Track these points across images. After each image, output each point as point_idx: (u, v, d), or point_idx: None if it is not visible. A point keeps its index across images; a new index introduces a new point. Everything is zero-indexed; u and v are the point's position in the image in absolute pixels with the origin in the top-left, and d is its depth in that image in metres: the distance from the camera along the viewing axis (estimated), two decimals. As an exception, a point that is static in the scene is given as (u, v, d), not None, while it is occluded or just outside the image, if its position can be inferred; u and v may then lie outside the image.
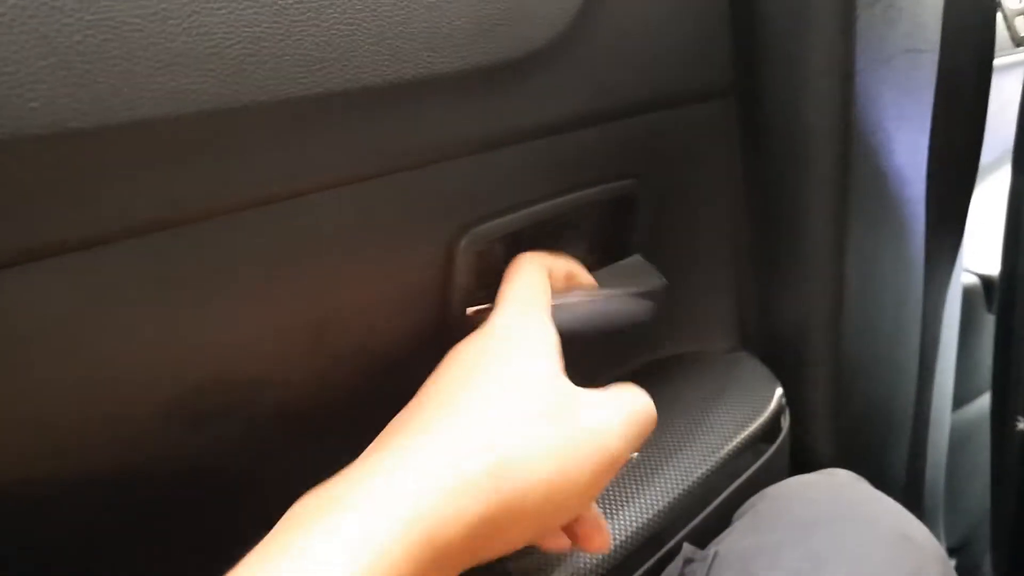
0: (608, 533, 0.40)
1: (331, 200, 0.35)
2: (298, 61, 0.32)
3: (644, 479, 0.50)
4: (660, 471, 0.51)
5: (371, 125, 0.35)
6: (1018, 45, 0.58)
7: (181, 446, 0.37)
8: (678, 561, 0.48)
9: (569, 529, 0.39)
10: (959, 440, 0.88)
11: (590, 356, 0.57)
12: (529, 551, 0.44)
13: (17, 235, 0.27)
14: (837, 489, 0.52)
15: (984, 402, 0.94)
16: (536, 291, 0.41)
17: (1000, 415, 0.66)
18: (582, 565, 0.44)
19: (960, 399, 0.89)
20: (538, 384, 0.35)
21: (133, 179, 0.29)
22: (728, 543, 0.48)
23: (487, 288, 0.44)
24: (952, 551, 0.97)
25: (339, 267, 0.38)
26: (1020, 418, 0.62)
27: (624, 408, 0.36)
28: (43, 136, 0.26)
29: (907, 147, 0.59)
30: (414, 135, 0.37)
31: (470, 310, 0.44)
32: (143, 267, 0.31)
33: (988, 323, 0.92)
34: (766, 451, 0.56)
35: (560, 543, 0.39)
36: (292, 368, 0.39)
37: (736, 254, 0.62)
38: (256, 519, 0.29)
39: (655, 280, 0.50)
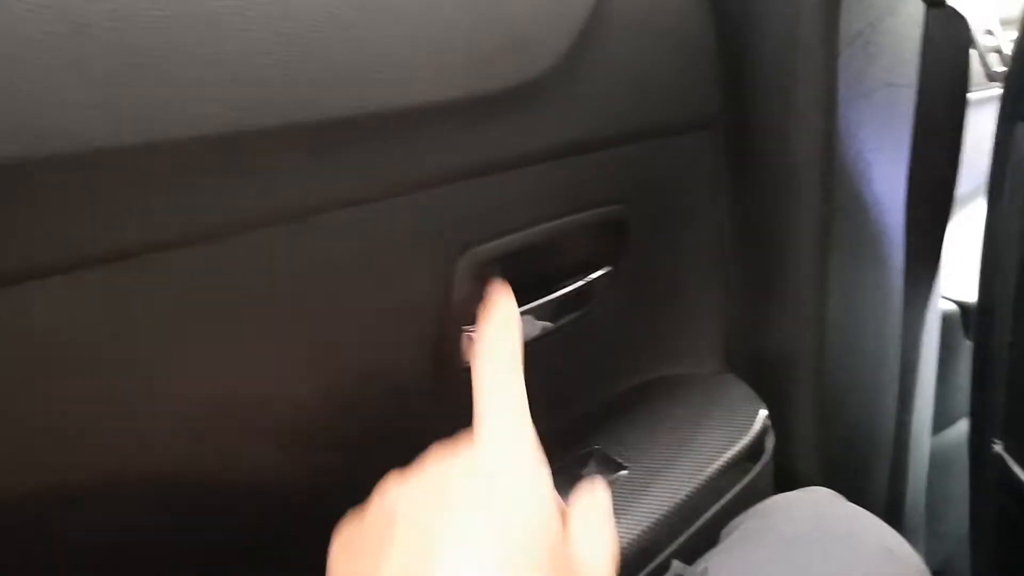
0: None
1: (336, 222, 0.37)
2: (308, 88, 0.33)
3: (632, 497, 0.51)
4: (648, 489, 0.52)
5: (376, 150, 0.36)
6: (992, 80, 0.61)
7: (187, 460, 0.37)
8: (667, 577, 0.49)
9: None
10: (939, 464, 0.90)
11: (578, 379, 0.59)
12: None
13: (38, 250, 0.28)
14: (820, 506, 0.53)
15: (962, 427, 0.96)
16: (516, 403, 0.35)
17: (977, 439, 0.67)
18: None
19: (939, 424, 0.91)
20: (536, 529, 0.31)
21: (149, 198, 0.30)
22: (717, 560, 0.49)
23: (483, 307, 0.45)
24: (934, 575, 0.98)
25: (343, 286, 0.39)
26: (997, 441, 0.63)
27: (608, 540, 0.35)
28: (68, 155, 0.28)
29: (886, 177, 0.61)
30: (417, 160, 0.38)
31: (467, 330, 0.45)
32: (155, 284, 0.32)
33: (966, 349, 0.93)
34: (751, 470, 0.57)
35: None
36: (294, 386, 0.40)
37: (722, 279, 0.63)
38: (260, 533, 0.29)
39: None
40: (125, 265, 0.31)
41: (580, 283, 0.52)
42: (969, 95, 0.67)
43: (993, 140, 0.62)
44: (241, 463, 0.39)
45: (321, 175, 0.35)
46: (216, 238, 0.33)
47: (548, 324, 0.51)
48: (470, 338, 0.45)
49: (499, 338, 0.37)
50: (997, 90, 0.59)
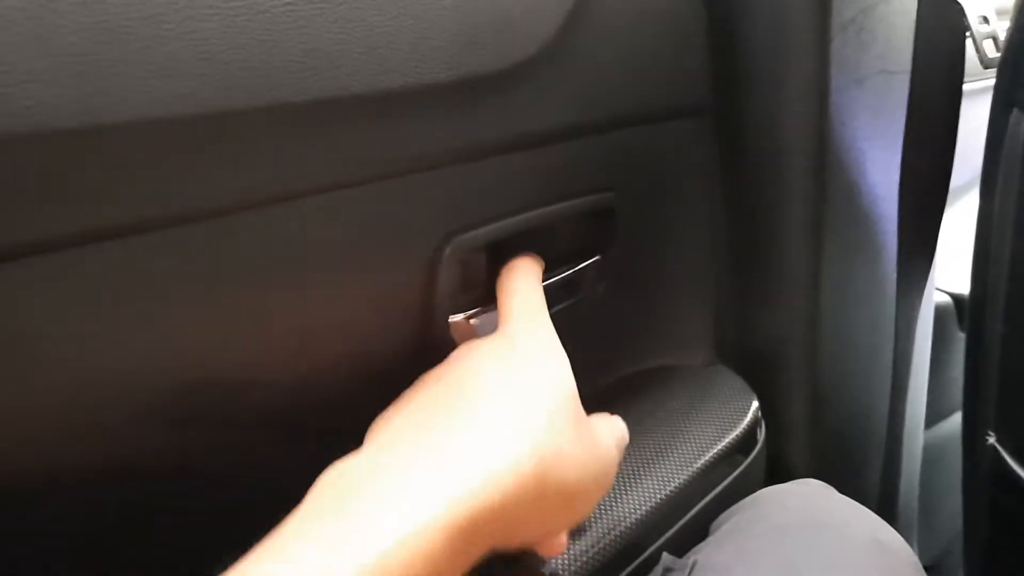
0: (564, 543, 0.41)
1: (317, 206, 0.36)
2: (288, 68, 0.32)
3: (622, 489, 0.51)
4: (638, 481, 0.51)
5: (358, 133, 0.36)
6: (987, 67, 0.60)
7: (163, 447, 0.37)
8: (657, 570, 0.48)
9: None
10: (933, 458, 0.89)
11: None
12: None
13: (2, 233, 0.28)
14: (811, 497, 0.52)
15: (956, 420, 0.95)
16: (540, 303, 0.42)
17: (971, 430, 0.67)
18: (560, 570, 0.44)
19: (933, 417, 0.90)
20: (563, 391, 0.36)
21: (120, 180, 0.30)
22: (707, 552, 0.48)
23: (469, 296, 0.45)
24: (926, 569, 0.98)
25: (324, 273, 0.38)
26: (990, 433, 0.63)
27: (618, 432, 0.42)
28: (35, 135, 0.27)
29: (880, 166, 0.61)
30: (400, 143, 0.37)
31: (452, 318, 0.44)
32: (128, 268, 0.31)
33: (960, 341, 0.93)
34: (742, 463, 0.57)
35: (561, 545, 0.40)
36: (275, 373, 0.39)
37: (714, 269, 0.63)
38: (238, 522, 0.29)
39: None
40: (97, 249, 0.30)
41: (569, 272, 0.51)
42: (964, 86, 0.67)
43: (987, 131, 0.62)
44: (219, 452, 0.39)
45: (301, 158, 0.34)
46: (191, 222, 0.32)
47: None
48: (457, 325, 0.44)
49: (523, 264, 0.44)
50: (992, 80, 0.58)
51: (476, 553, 0.31)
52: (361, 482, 0.30)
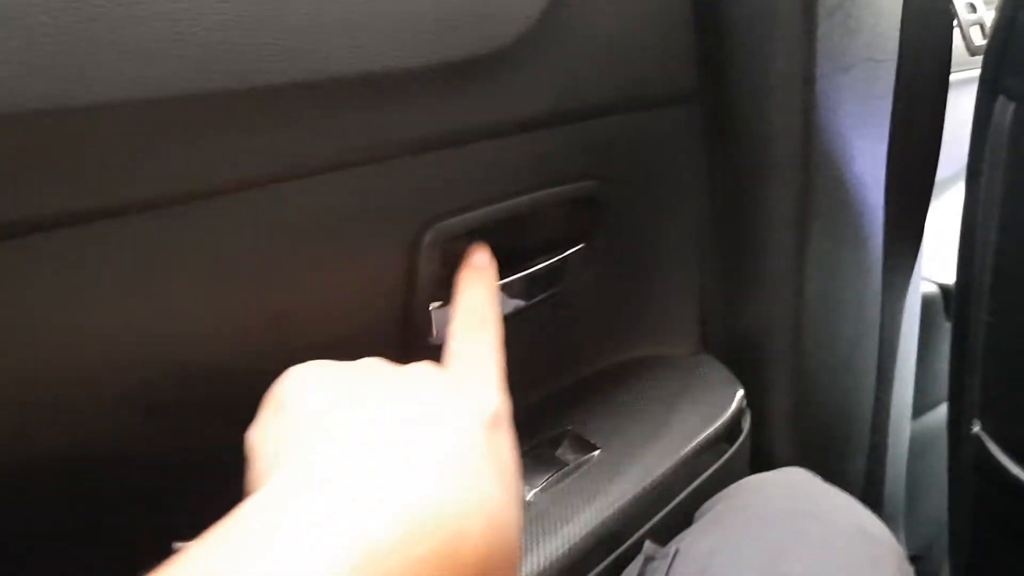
0: None
1: (295, 191, 0.36)
2: (264, 51, 0.32)
3: (605, 477, 0.50)
4: (621, 470, 0.51)
5: (337, 117, 0.35)
6: (973, 54, 0.60)
7: (137, 435, 0.36)
8: (639, 559, 0.48)
9: None
10: (919, 449, 0.89)
11: (550, 358, 0.58)
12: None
13: None
14: (795, 486, 0.52)
15: (943, 411, 0.96)
16: (492, 340, 0.35)
17: (956, 420, 0.67)
18: (543, 559, 0.44)
19: (919, 408, 0.90)
20: (495, 454, 0.28)
21: (93, 163, 0.29)
22: (689, 541, 0.48)
23: (451, 284, 0.44)
24: (912, 559, 0.98)
25: (301, 258, 0.38)
26: (975, 422, 0.63)
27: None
28: (5, 116, 0.26)
29: (866, 154, 0.60)
30: (380, 129, 0.37)
31: (433, 306, 0.44)
32: (99, 253, 0.31)
33: (947, 332, 0.93)
34: (727, 451, 0.57)
35: None
36: (254, 359, 0.39)
37: (699, 258, 0.63)
38: (213, 510, 0.28)
39: None
40: (61, 234, 0.29)
41: (552, 261, 0.50)
42: (951, 76, 0.66)
43: (973, 115, 0.62)
44: (197, 437, 0.38)
45: (276, 143, 0.34)
46: (165, 206, 0.32)
47: (520, 303, 0.50)
48: (438, 314, 0.44)
49: (477, 276, 0.38)
50: (977, 71, 0.58)
51: None
52: (265, 524, 0.23)
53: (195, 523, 0.28)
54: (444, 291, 0.44)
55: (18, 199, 0.28)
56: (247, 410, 0.40)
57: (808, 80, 0.53)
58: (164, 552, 0.26)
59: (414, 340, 0.44)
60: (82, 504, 0.36)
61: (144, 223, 0.31)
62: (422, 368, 0.31)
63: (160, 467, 0.38)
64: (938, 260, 0.94)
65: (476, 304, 0.37)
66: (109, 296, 0.32)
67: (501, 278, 0.48)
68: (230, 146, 0.32)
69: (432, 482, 0.24)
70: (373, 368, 0.31)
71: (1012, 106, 0.51)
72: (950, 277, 0.95)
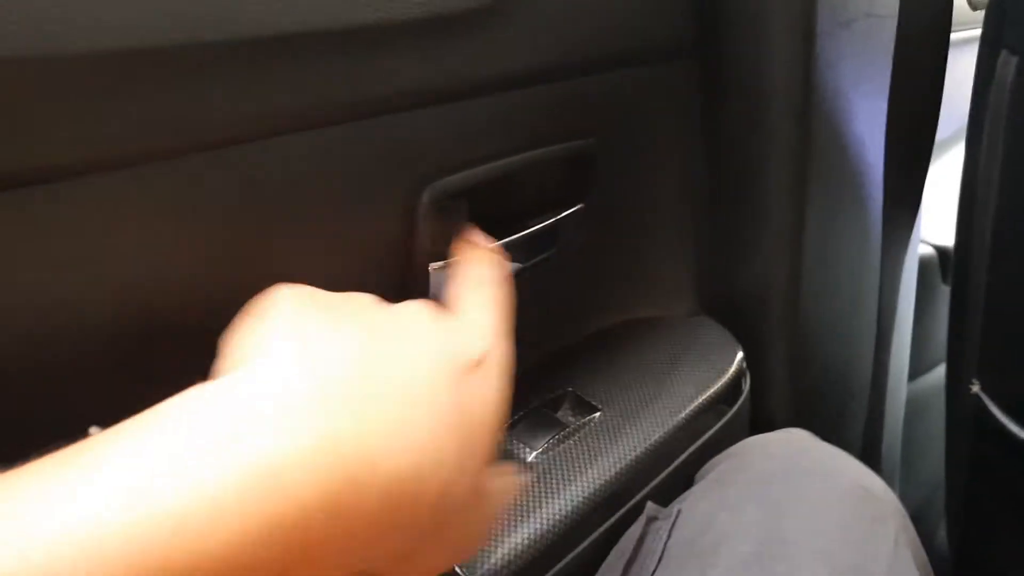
0: None
1: (287, 147, 0.35)
2: (251, 0, 0.31)
3: (606, 439, 0.50)
4: (622, 432, 0.51)
5: (327, 71, 0.34)
6: (975, 9, 0.59)
7: (140, 394, 0.36)
8: (641, 519, 0.48)
9: None
10: (915, 411, 0.90)
11: (548, 320, 0.58)
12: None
13: None
14: (795, 446, 0.52)
15: (939, 374, 0.96)
16: (492, 299, 0.33)
17: (955, 379, 0.67)
18: (545, 520, 0.44)
19: (915, 370, 0.91)
20: (488, 419, 0.28)
21: (75, 115, 0.28)
22: (691, 501, 0.48)
23: (448, 243, 0.44)
24: (907, 520, 0.99)
25: (295, 217, 0.37)
26: (974, 382, 0.63)
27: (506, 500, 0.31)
28: None
29: (866, 113, 0.60)
30: (372, 82, 0.36)
31: (433, 266, 0.43)
32: (88, 208, 0.30)
33: (943, 294, 0.93)
34: (726, 413, 0.57)
35: None
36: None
37: (696, 218, 0.62)
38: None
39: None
40: (55, 187, 0.29)
41: (549, 221, 0.50)
42: (952, 35, 0.66)
43: (973, 82, 0.61)
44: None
45: (266, 97, 0.33)
46: (151, 161, 0.31)
47: (517, 264, 0.49)
48: (437, 273, 0.44)
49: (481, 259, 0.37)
50: (976, 30, 0.57)
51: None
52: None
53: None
54: (442, 250, 0.44)
55: (19, 149, 0.27)
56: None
57: (808, 35, 0.53)
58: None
59: (413, 298, 0.44)
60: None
61: (131, 179, 0.31)
62: (413, 306, 0.30)
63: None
64: (934, 222, 0.94)
65: (480, 265, 0.36)
66: (94, 256, 0.31)
67: (497, 239, 0.47)
68: (214, 100, 0.31)
69: (359, 415, 0.23)
70: (361, 300, 0.30)
71: (1015, 60, 0.51)
72: (947, 239, 0.95)
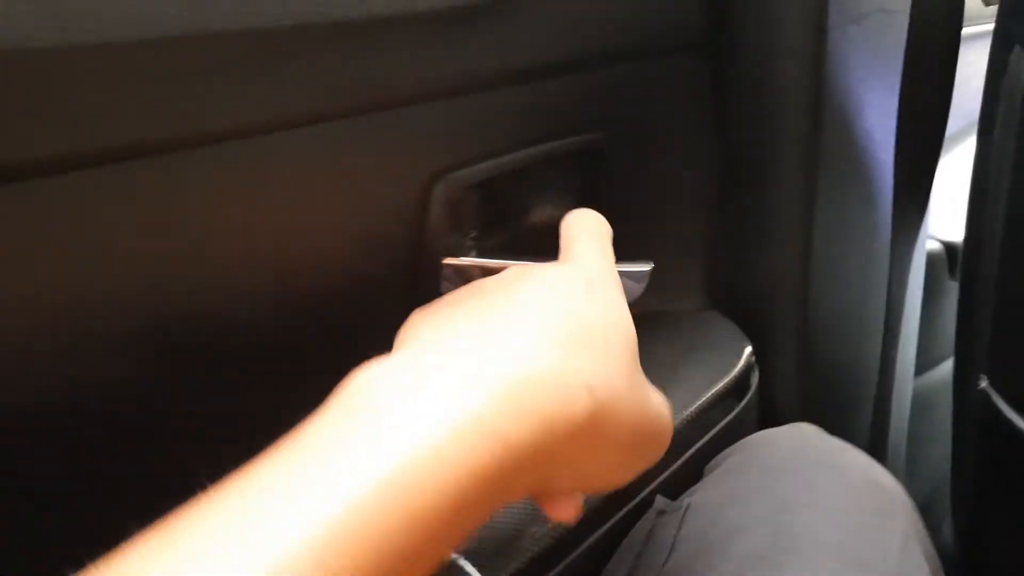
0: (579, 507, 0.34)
1: (301, 139, 0.35)
2: None
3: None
4: (632, 425, 0.51)
5: (343, 62, 0.34)
6: (989, 3, 0.59)
7: (147, 383, 0.36)
8: (651, 513, 0.48)
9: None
10: (921, 406, 0.90)
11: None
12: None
13: None
14: (804, 440, 0.52)
15: (945, 369, 0.96)
16: (609, 253, 0.37)
17: (962, 375, 0.67)
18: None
19: (921, 366, 0.91)
20: (628, 338, 0.31)
21: (93, 105, 0.28)
22: (700, 494, 0.48)
23: (460, 236, 0.44)
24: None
25: (308, 208, 0.37)
26: (982, 377, 0.63)
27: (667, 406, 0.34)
28: (3, 52, 0.25)
29: (877, 108, 0.60)
30: (389, 74, 0.36)
31: (449, 260, 0.43)
32: (104, 197, 0.30)
33: (950, 290, 0.93)
34: (735, 407, 0.57)
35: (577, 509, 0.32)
36: (259, 311, 0.38)
37: (706, 212, 0.62)
38: (223, 459, 0.28)
39: (642, 264, 0.49)
40: (66, 177, 0.29)
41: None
42: (963, 30, 0.65)
43: (985, 77, 0.61)
44: (200, 388, 0.38)
45: (281, 88, 0.33)
46: (166, 151, 0.31)
47: (526, 258, 0.49)
48: (450, 268, 0.44)
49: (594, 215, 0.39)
50: (987, 26, 0.57)
51: (510, 496, 0.26)
52: (386, 392, 0.25)
53: (204, 466, 0.27)
54: (454, 244, 0.44)
55: (19, 140, 0.27)
56: (252, 361, 0.40)
57: (819, 30, 0.53)
58: (167, 497, 0.26)
59: (424, 294, 0.44)
60: (89, 449, 0.36)
61: (144, 169, 0.31)
62: (523, 273, 0.33)
63: (164, 416, 0.37)
64: (942, 217, 0.94)
65: (580, 218, 0.38)
66: (108, 245, 0.31)
67: (508, 233, 0.48)
68: (228, 91, 0.31)
69: (568, 354, 0.27)
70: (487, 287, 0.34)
71: (1028, 55, 0.51)
72: (954, 234, 0.95)
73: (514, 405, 0.25)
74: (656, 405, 0.32)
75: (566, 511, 0.31)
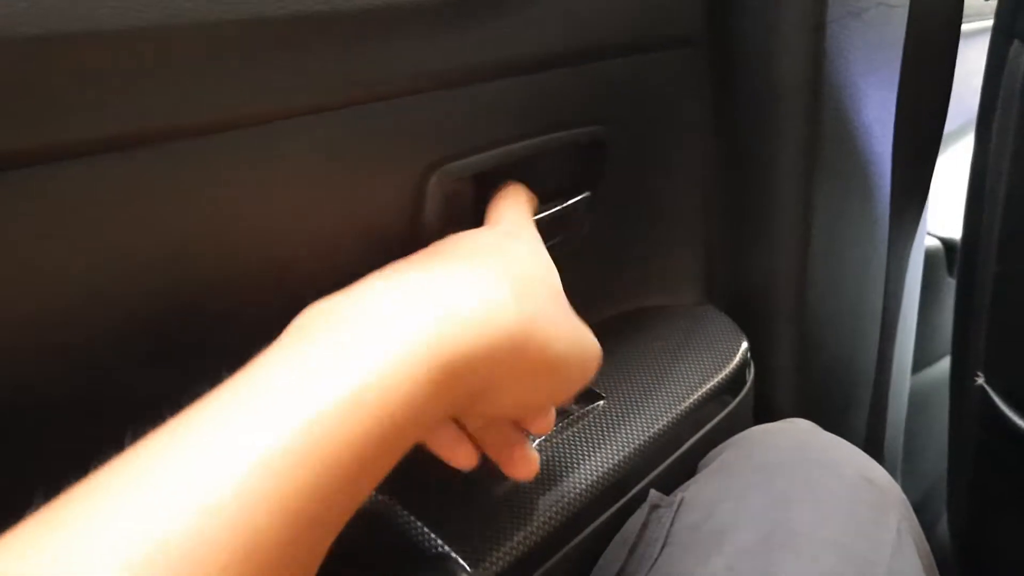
0: (535, 465, 0.41)
1: (296, 129, 0.35)
2: None
3: (609, 427, 0.50)
4: (626, 420, 0.51)
5: (342, 52, 0.34)
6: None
7: (144, 379, 0.36)
8: (644, 507, 0.48)
9: (501, 450, 0.40)
10: (917, 404, 0.90)
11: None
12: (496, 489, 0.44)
13: None
14: (800, 436, 0.52)
15: (942, 367, 0.96)
16: (530, 218, 0.42)
17: (959, 372, 0.67)
18: (548, 507, 0.44)
19: (918, 363, 0.91)
20: (550, 278, 0.37)
21: (90, 94, 0.28)
22: (694, 489, 0.48)
23: (456, 227, 0.44)
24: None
25: (306, 199, 0.37)
26: (979, 374, 0.63)
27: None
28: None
29: (876, 103, 0.59)
30: (386, 65, 0.36)
31: None
32: (97, 187, 0.30)
33: (948, 287, 0.93)
34: (730, 403, 0.57)
35: (546, 424, 0.40)
36: (254, 304, 0.38)
37: (704, 207, 0.62)
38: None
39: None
40: (72, 166, 0.28)
41: (557, 208, 0.50)
42: (962, 26, 0.65)
43: (983, 74, 0.61)
44: (199, 385, 0.37)
45: (281, 77, 0.33)
46: (162, 142, 0.31)
47: None
48: None
49: (516, 189, 0.44)
50: (989, 22, 0.57)
51: (455, 403, 0.30)
52: (338, 318, 0.29)
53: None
54: (449, 234, 0.44)
55: (15, 130, 0.27)
56: (249, 354, 0.39)
57: (819, 24, 0.52)
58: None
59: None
60: (88, 445, 0.36)
61: (136, 161, 0.30)
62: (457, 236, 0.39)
63: (161, 410, 0.37)
64: (940, 215, 0.94)
65: (521, 204, 0.43)
66: (106, 235, 0.31)
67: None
68: (226, 80, 0.31)
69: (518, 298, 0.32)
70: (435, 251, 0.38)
71: (1027, 51, 0.50)
72: (953, 232, 0.95)
73: (450, 325, 0.29)
74: (581, 330, 0.37)
75: (538, 427, 0.39)
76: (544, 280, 0.36)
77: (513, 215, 0.41)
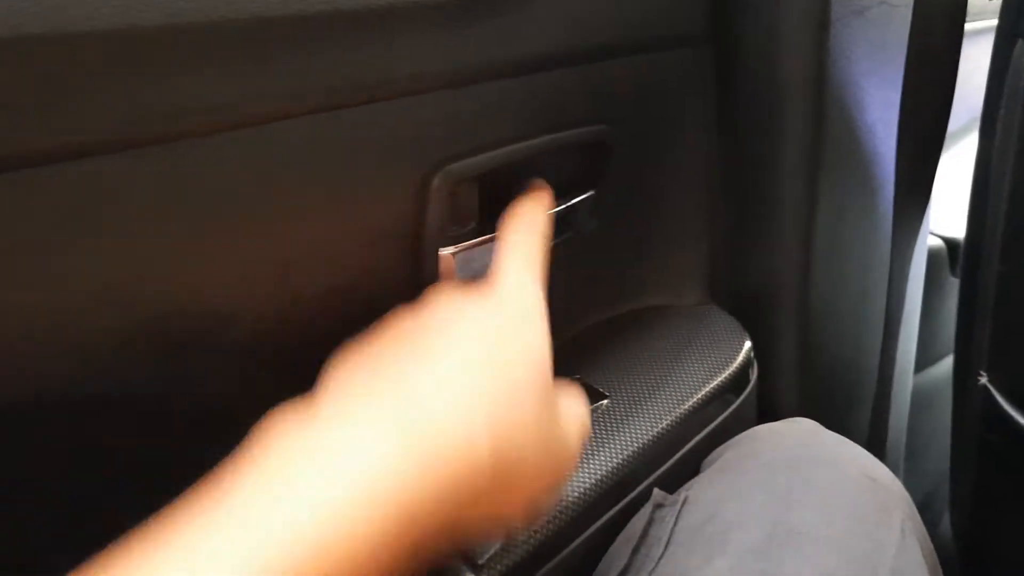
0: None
1: (299, 130, 0.35)
2: None
3: (613, 426, 0.50)
4: (629, 419, 0.51)
5: (344, 52, 0.34)
6: (991, -1, 0.59)
7: (146, 379, 0.36)
8: (648, 506, 0.48)
9: None
10: (920, 403, 0.90)
11: (558, 307, 0.57)
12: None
13: None
14: (803, 435, 0.52)
15: (944, 366, 0.96)
16: (536, 259, 0.39)
17: (963, 371, 0.67)
18: (553, 506, 0.44)
19: (920, 363, 0.91)
20: (537, 364, 0.33)
21: (88, 95, 0.28)
22: (697, 488, 0.48)
23: (459, 227, 0.44)
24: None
25: (308, 200, 0.37)
26: (982, 373, 0.63)
27: (581, 416, 0.37)
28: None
29: (879, 103, 0.59)
30: (388, 65, 0.36)
31: (443, 251, 0.43)
32: (103, 190, 0.30)
33: (951, 287, 0.93)
34: (734, 402, 0.57)
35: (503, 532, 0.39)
36: (258, 304, 0.38)
37: (708, 206, 0.62)
38: (222, 453, 0.28)
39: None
40: (65, 169, 0.28)
41: (561, 208, 0.50)
42: (965, 25, 0.65)
43: (988, 73, 0.61)
44: (200, 384, 0.38)
45: (284, 78, 0.33)
46: (166, 142, 0.31)
47: None
48: (447, 259, 0.43)
49: (529, 209, 0.41)
50: (993, 21, 0.57)
51: (421, 542, 0.27)
52: (294, 441, 0.28)
53: (204, 462, 0.27)
54: (453, 236, 0.44)
55: (13, 132, 0.27)
56: (250, 355, 0.40)
57: (822, 23, 0.52)
58: (166, 492, 0.26)
59: (423, 286, 0.43)
60: (90, 447, 0.36)
61: (137, 161, 0.30)
62: (445, 301, 0.35)
63: (171, 409, 0.37)
64: (944, 214, 0.93)
65: (521, 228, 0.40)
66: (106, 237, 0.31)
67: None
68: (230, 80, 0.31)
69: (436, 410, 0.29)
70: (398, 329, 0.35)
71: (1031, 50, 0.50)
72: (955, 231, 0.95)
73: (417, 464, 0.27)
74: (560, 441, 0.34)
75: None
76: (533, 384, 0.32)
77: (518, 276, 0.37)
